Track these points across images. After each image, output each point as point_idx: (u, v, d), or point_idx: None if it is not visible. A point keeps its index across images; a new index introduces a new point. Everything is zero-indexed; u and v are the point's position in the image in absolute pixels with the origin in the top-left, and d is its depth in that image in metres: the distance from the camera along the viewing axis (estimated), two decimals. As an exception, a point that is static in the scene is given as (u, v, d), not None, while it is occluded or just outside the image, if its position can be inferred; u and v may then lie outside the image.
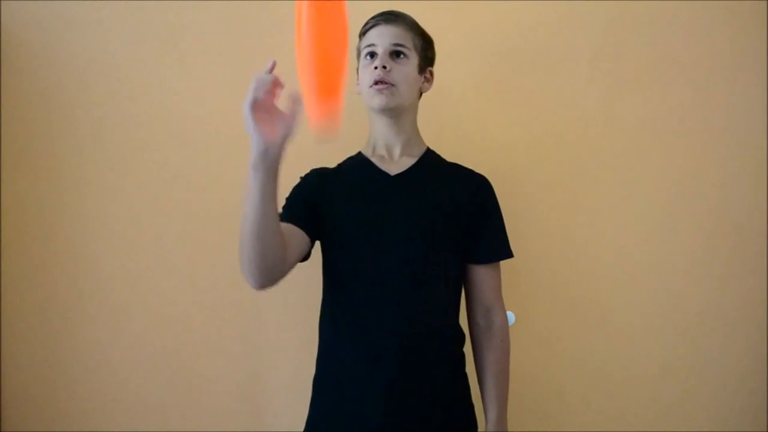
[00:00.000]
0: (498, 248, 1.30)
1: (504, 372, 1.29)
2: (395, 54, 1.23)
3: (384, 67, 1.21)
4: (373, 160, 1.29)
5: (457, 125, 1.57)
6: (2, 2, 1.53)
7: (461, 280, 1.30)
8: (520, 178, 1.56)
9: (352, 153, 1.34)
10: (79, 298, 1.54)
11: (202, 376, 1.55)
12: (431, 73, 1.32)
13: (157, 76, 1.55)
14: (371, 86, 1.22)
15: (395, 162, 1.28)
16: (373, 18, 1.27)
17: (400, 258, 1.20)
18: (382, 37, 1.23)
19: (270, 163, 0.98)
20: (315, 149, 1.16)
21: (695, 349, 1.57)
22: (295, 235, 1.17)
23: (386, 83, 1.21)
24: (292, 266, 1.16)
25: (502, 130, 1.57)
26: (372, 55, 1.24)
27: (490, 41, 1.57)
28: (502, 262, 1.32)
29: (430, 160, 1.31)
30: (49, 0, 1.54)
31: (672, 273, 1.57)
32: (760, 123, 1.57)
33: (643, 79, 1.57)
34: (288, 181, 1.29)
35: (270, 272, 1.08)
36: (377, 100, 1.22)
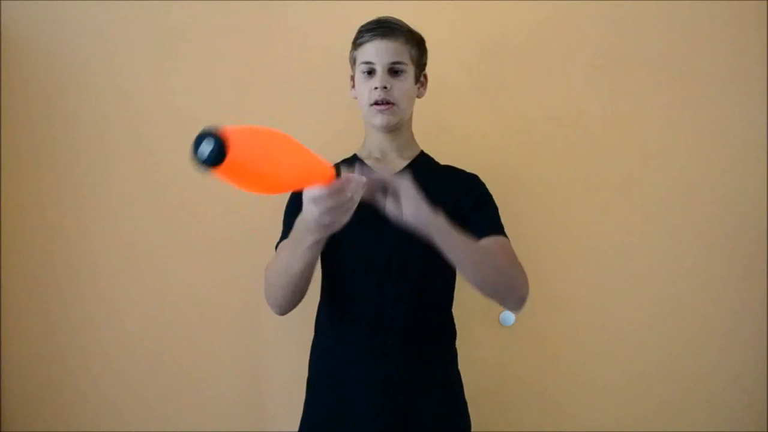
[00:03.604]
0: (490, 225, 1.23)
1: (485, 253, 1.13)
2: (394, 72, 1.23)
3: (384, 87, 1.21)
4: (368, 162, 1.29)
5: (455, 126, 1.57)
6: (2, 2, 1.53)
7: (455, 276, 1.29)
8: (518, 179, 1.56)
9: (347, 155, 1.34)
10: (78, 299, 1.54)
11: (202, 377, 1.55)
12: (425, 77, 1.32)
13: (157, 77, 1.55)
14: (371, 105, 1.23)
15: (389, 163, 1.29)
16: (368, 30, 1.24)
17: (395, 256, 1.21)
18: (380, 55, 1.22)
19: (322, 243, 1.02)
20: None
21: (695, 349, 1.57)
22: None
23: (387, 103, 1.22)
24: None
25: (500, 130, 1.57)
26: (370, 72, 1.23)
27: (489, 41, 1.57)
28: None
29: (422, 162, 1.31)
30: (49, 0, 1.54)
31: (671, 274, 1.57)
32: (760, 123, 1.57)
33: (642, 79, 1.57)
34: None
35: (296, 304, 1.19)
36: (378, 120, 1.23)
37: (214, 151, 0.67)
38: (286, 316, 1.24)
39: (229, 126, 0.69)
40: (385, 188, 1.00)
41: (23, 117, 1.54)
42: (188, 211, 1.55)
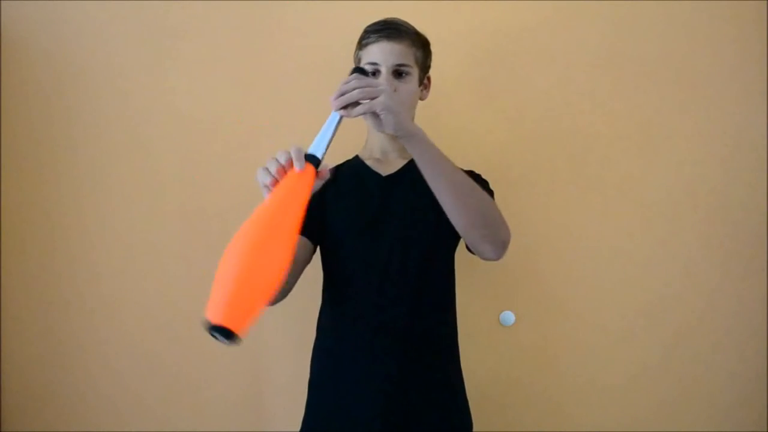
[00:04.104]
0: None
1: (468, 179, 1.12)
2: (398, 73, 1.22)
3: None
4: (368, 163, 1.30)
5: (455, 126, 1.57)
6: (2, 2, 1.53)
7: (455, 276, 1.30)
8: (517, 179, 1.56)
9: (349, 156, 1.34)
10: (78, 299, 1.54)
11: (202, 377, 1.55)
12: (428, 80, 1.32)
13: (157, 77, 1.55)
14: None
15: (389, 164, 1.29)
16: (374, 31, 1.24)
17: (395, 257, 1.21)
18: (385, 56, 1.21)
19: None
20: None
21: (695, 349, 1.57)
22: (301, 246, 1.21)
23: None
24: (299, 277, 1.21)
25: (499, 130, 1.57)
26: (374, 73, 1.22)
27: (489, 41, 1.57)
28: (498, 264, 1.29)
29: None
30: (49, 0, 1.54)
31: (671, 274, 1.57)
32: (760, 123, 1.57)
33: (642, 78, 1.57)
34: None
35: (283, 297, 1.18)
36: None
37: (226, 334, 0.76)
38: (286, 316, 1.25)
39: (218, 304, 0.77)
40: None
41: (23, 117, 1.54)
42: (188, 211, 1.55)
